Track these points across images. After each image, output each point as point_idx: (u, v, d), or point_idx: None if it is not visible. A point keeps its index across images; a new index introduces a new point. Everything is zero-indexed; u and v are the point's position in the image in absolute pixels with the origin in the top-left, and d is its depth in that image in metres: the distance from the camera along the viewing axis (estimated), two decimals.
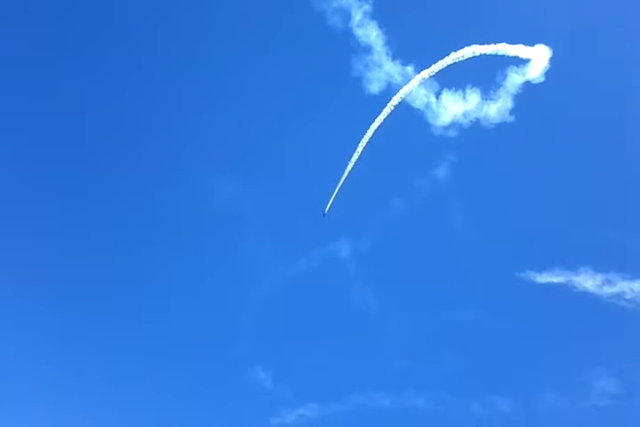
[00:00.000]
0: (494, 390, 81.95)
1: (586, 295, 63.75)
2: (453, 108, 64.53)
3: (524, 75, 61.89)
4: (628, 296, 60.43)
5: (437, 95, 64.01)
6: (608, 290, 60.58)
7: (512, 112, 68.11)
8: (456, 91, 64.26)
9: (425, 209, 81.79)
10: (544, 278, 64.12)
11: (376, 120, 55.01)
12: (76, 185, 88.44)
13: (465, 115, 65.36)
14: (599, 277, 61.84)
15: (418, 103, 64.77)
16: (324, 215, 54.47)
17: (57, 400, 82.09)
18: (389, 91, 67.57)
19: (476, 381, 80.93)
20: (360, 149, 53.62)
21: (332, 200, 54.53)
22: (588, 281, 60.68)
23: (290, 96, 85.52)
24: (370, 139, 54.40)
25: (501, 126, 72.00)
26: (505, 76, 63.14)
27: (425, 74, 58.71)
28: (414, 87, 59.79)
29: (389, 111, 55.77)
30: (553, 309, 77.81)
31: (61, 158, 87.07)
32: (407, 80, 60.95)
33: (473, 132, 71.26)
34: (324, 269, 75.94)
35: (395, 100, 56.32)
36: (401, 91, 58.23)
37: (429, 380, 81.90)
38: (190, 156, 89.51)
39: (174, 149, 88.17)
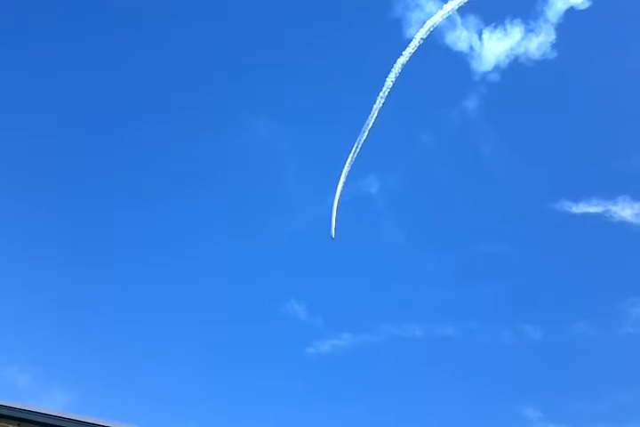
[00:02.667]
0: (526, 319, 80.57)
1: (623, 225, 61.51)
2: (495, 46, 60.93)
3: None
4: None
5: (479, 35, 60.83)
6: None
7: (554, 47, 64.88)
8: (496, 27, 60.80)
9: (454, 142, 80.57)
10: (580, 209, 61.41)
11: (404, 54, 53.26)
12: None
13: (506, 53, 61.57)
14: (638, 206, 59.30)
15: (460, 46, 62.22)
16: (332, 238, 54.03)
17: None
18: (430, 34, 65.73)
19: (507, 310, 79.85)
20: (389, 83, 52.35)
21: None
22: (626, 210, 58.04)
23: (327, 37, 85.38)
24: (398, 75, 52.79)
25: (542, 63, 69.61)
26: (545, 3, 59.25)
27: (454, 3, 56.56)
28: (444, 18, 57.59)
29: (418, 44, 53.85)
30: (588, 239, 76.16)
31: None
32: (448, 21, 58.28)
33: (512, 68, 68.85)
34: (354, 205, 75.52)
35: (423, 33, 54.26)
36: (429, 22, 55.92)
37: (460, 310, 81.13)
38: (231, 97, 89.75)
39: (216, 91, 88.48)
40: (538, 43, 62.00)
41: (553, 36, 63.90)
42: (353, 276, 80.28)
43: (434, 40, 65.58)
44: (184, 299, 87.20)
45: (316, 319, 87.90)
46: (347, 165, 53.61)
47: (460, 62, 75.51)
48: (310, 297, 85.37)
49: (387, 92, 53.29)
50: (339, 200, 53.76)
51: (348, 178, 53.96)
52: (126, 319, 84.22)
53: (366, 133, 53.23)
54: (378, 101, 53.29)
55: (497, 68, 65.76)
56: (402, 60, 53.91)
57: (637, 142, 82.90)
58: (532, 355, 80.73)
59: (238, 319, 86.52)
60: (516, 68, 74.26)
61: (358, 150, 53.52)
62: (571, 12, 61.30)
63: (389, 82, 52.95)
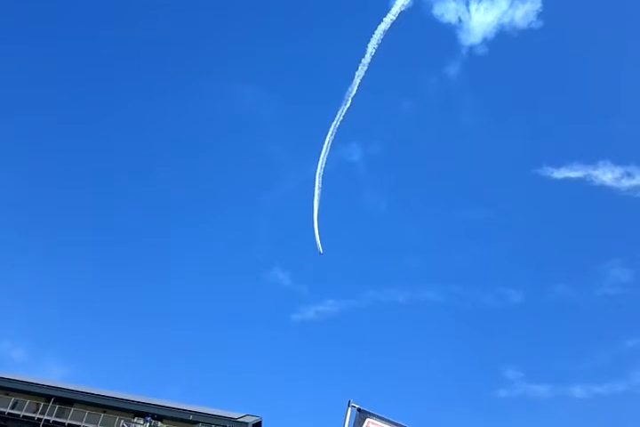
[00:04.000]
0: (507, 282, 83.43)
1: (603, 189, 63.61)
2: (483, 18, 60.91)
3: None
4: None
5: (467, 6, 60.60)
6: (626, 183, 60.00)
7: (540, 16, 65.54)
8: None
9: (436, 109, 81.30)
10: (561, 173, 63.48)
11: (385, 20, 52.70)
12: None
13: (493, 24, 61.61)
14: (618, 171, 60.98)
15: (447, 17, 62.18)
16: (320, 254, 54.28)
17: None
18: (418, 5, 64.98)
19: (488, 274, 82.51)
20: (371, 50, 51.96)
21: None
22: (606, 174, 59.83)
23: (311, 5, 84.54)
24: (380, 42, 52.31)
25: (528, 32, 69.82)
26: None
27: None
28: None
29: (399, 11, 53.33)
30: (569, 204, 78.39)
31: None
32: None
33: (498, 39, 69.07)
34: (336, 173, 76.40)
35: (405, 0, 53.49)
36: None
37: (442, 275, 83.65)
38: (216, 64, 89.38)
39: (202, 58, 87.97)
40: (524, 11, 62.06)
41: (539, 5, 64.07)
42: (336, 243, 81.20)
43: (422, 11, 65.42)
44: (170, 269, 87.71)
45: (301, 286, 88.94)
46: (330, 133, 53.62)
47: (447, 33, 75.13)
48: (294, 265, 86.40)
49: (369, 59, 52.99)
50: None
51: (330, 147, 54.06)
52: (117, 288, 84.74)
53: (349, 101, 53.12)
54: (360, 68, 53.04)
55: (484, 39, 65.69)
56: (383, 26, 53.45)
57: (618, 107, 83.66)
58: (514, 317, 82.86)
59: (223, 287, 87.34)
60: (502, 38, 74.23)
61: (341, 118, 53.50)
62: None
63: (371, 49, 52.58)
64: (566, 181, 67.42)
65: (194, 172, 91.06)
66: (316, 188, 53.55)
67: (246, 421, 50.13)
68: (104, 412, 49.07)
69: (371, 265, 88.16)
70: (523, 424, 79.45)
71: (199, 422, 47.88)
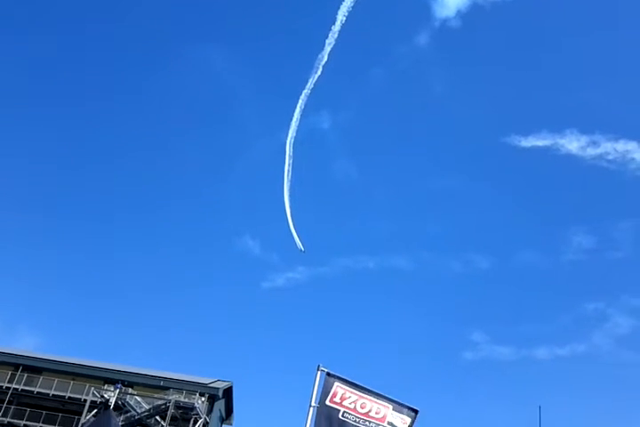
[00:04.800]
0: (475, 249, 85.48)
1: (569, 157, 64.86)
2: None
3: None
4: (610, 157, 60.71)
5: None
6: (592, 151, 61.01)
7: None
8: None
9: (406, 78, 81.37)
10: (529, 142, 64.09)
11: None
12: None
13: None
14: (584, 139, 61.97)
15: None
16: (302, 251, 53.86)
17: None
18: None
19: (456, 241, 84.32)
20: (341, 17, 51.18)
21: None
22: (573, 143, 60.79)
23: None
24: (351, 9, 51.48)
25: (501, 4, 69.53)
26: None
27: None
28: None
29: None
30: (536, 172, 79.97)
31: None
32: None
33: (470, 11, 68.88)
34: (307, 141, 76.33)
35: None
36: None
37: (412, 242, 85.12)
38: (185, 26, 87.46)
39: (171, 20, 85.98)
40: None
41: None
42: (306, 211, 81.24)
43: None
44: (140, 238, 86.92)
45: (271, 254, 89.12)
46: (300, 100, 52.94)
47: (421, 5, 74.21)
48: (264, 233, 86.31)
49: (339, 27, 52.11)
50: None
51: (301, 115, 53.43)
52: (88, 258, 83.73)
53: (320, 69, 52.36)
54: (330, 36, 52.15)
55: (458, 12, 65.10)
56: None
57: (586, 77, 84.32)
58: (481, 283, 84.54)
59: (193, 256, 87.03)
60: (476, 10, 73.64)
61: (312, 86, 52.81)
62: None
63: (341, 17, 51.63)
64: (534, 150, 68.14)
65: (161, 138, 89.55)
66: (287, 164, 53.05)
67: (217, 386, 50.67)
68: (73, 380, 49.05)
69: (342, 232, 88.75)
70: (487, 385, 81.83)
71: (170, 388, 48.20)
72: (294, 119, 52.93)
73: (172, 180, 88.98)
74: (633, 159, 60.83)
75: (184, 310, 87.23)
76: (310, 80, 52.05)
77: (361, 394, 9.09)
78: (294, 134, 53.25)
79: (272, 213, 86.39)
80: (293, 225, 53.10)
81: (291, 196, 53.58)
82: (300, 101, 52.62)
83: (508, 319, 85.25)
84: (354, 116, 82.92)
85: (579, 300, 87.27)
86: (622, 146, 60.48)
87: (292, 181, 53.58)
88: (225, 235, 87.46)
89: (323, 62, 51.49)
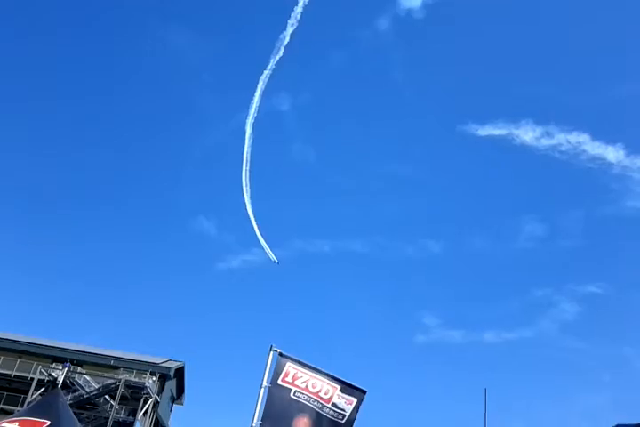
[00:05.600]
0: (428, 233, 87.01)
1: (524, 147, 66.14)
2: None
3: None
4: (563, 148, 62.07)
5: None
6: (545, 142, 62.30)
7: None
8: None
9: (366, 62, 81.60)
10: (486, 131, 65.12)
11: None
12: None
13: None
14: (539, 130, 63.19)
15: None
16: (277, 263, 53.35)
17: None
18: None
19: (411, 226, 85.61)
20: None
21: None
22: (528, 133, 61.93)
23: None
24: None
25: None
26: None
27: None
28: None
29: None
30: (491, 161, 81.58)
31: None
32: None
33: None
34: (266, 123, 75.96)
35: None
36: None
37: (367, 226, 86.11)
38: (144, 5, 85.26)
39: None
40: None
41: None
42: (263, 193, 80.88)
43: None
44: (98, 217, 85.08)
45: (227, 236, 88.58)
46: (261, 82, 52.32)
47: None
48: (220, 214, 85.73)
49: (301, 9, 51.57)
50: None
51: (261, 97, 52.84)
52: (36, 237, 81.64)
53: (282, 51, 51.76)
54: (293, 17, 51.59)
55: (423, 3, 65.16)
56: None
57: (543, 69, 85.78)
58: (433, 268, 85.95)
59: (148, 235, 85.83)
60: (440, 3, 73.88)
61: (273, 67, 52.22)
62: None
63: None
64: (489, 139, 69.16)
65: (117, 116, 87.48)
66: (246, 146, 52.50)
67: (169, 366, 50.37)
68: (20, 358, 48.03)
69: (298, 215, 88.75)
70: (438, 368, 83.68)
71: (120, 368, 47.71)
72: (254, 100, 52.37)
73: (127, 158, 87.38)
74: (584, 151, 62.35)
75: (137, 289, 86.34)
76: (271, 61, 51.51)
77: (312, 374, 9.13)
78: (254, 115, 52.72)
79: (229, 194, 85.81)
80: (252, 210, 52.75)
81: (249, 178, 53.20)
82: (261, 82, 52.07)
83: (459, 304, 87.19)
84: (313, 99, 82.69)
85: (528, 286, 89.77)
86: (575, 138, 61.93)
87: (250, 163, 53.20)
88: (180, 215, 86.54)
89: (284, 43, 50.97)
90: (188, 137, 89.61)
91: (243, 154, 53.04)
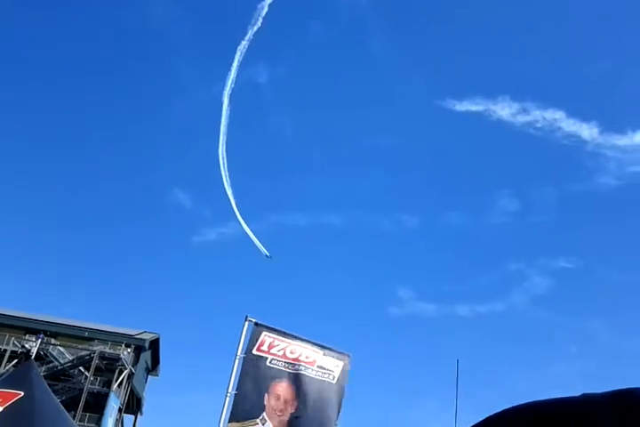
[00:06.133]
0: (404, 208, 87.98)
1: (500, 123, 66.52)
2: None
3: None
4: (539, 125, 62.17)
5: None
6: (522, 119, 62.57)
7: None
8: None
9: (345, 34, 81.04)
10: (463, 106, 65.05)
11: None
12: None
13: None
14: (515, 106, 63.38)
15: None
16: (270, 257, 52.64)
17: None
18: None
19: (387, 200, 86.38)
20: None
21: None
22: (504, 110, 62.11)
23: None
24: None
25: None
26: None
27: None
28: None
29: None
30: (467, 136, 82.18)
31: None
32: None
33: None
34: (243, 94, 75.17)
35: None
36: None
37: (343, 199, 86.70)
38: None
39: None
40: None
41: None
42: (240, 166, 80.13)
43: None
44: (67, 179, 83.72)
45: (202, 208, 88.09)
46: (238, 53, 51.45)
47: None
48: (196, 187, 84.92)
49: None
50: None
51: (239, 68, 52.04)
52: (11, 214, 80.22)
53: (260, 21, 50.86)
54: None
55: None
56: None
57: (522, 46, 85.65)
58: (408, 241, 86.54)
59: (121, 206, 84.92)
60: None
61: (251, 37, 51.34)
62: None
63: None
64: (467, 114, 69.18)
65: (92, 82, 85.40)
66: (223, 117, 51.71)
67: (144, 337, 50.42)
68: None
69: (274, 188, 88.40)
70: (412, 340, 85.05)
71: (95, 339, 47.63)
72: (232, 72, 51.57)
73: (99, 124, 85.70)
74: (560, 128, 62.72)
75: (112, 261, 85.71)
76: (249, 31, 50.64)
77: (290, 341, 9.11)
78: (232, 86, 51.98)
79: (205, 166, 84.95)
80: (230, 185, 52.30)
81: (226, 149, 52.69)
82: (238, 53, 51.22)
83: (434, 277, 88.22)
84: (291, 71, 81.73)
85: (501, 260, 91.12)
86: (551, 115, 62.21)
87: (227, 135, 52.65)
88: (155, 187, 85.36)
89: (262, 14, 50.08)
90: (164, 107, 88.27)
91: (219, 126, 52.33)
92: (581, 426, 1.37)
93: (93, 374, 45.81)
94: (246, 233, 53.02)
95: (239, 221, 52.96)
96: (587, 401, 1.43)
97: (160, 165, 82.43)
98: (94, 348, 46.45)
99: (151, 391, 56.05)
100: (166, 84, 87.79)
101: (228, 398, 8.52)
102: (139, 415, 54.24)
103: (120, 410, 49.30)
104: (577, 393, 1.42)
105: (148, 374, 55.69)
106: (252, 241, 51.73)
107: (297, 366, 9.00)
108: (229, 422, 8.41)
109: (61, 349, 46.35)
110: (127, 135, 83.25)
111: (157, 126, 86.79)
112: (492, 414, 1.49)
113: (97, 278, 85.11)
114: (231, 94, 52.05)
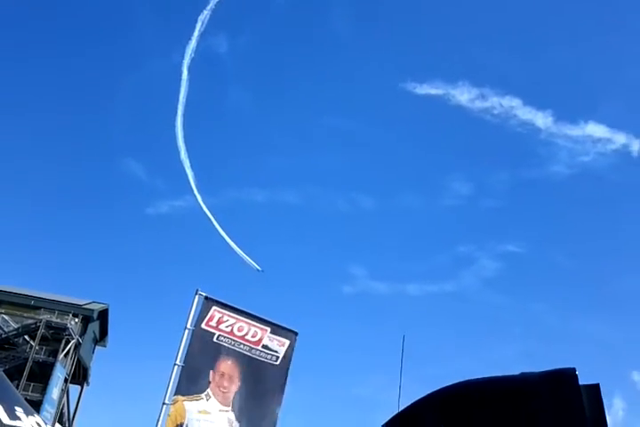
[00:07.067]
0: (360, 188, 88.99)
1: (458, 108, 67.13)
2: None
3: None
4: (495, 111, 62.47)
5: None
6: (479, 104, 63.21)
7: None
8: None
9: (308, 9, 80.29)
10: (424, 89, 65.34)
11: None
12: None
13: None
14: (474, 92, 63.86)
15: None
16: (261, 271, 51.73)
17: None
18: None
19: (344, 180, 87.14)
20: None
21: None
22: (463, 95, 62.63)
23: None
24: None
25: None
26: None
27: None
28: None
29: None
30: (426, 119, 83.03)
31: None
32: None
33: None
34: (203, 65, 73.86)
35: None
36: None
37: (301, 177, 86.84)
38: None
39: None
40: None
41: None
42: (196, 137, 79.03)
43: None
44: (19, 142, 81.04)
45: (156, 180, 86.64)
46: (199, 22, 50.33)
47: None
48: (150, 157, 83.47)
49: None
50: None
51: (199, 37, 50.95)
52: None
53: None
54: None
55: None
56: None
57: (483, 33, 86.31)
58: (363, 221, 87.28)
59: (72, 173, 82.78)
60: None
61: (213, 6, 50.25)
62: None
63: None
64: (427, 97, 69.59)
65: (48, 47, 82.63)
66: (182, 88, 50.58)
67: (92, 308, 49.73)
68: None
69: (231, 163, 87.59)
70: (363, 318, 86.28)
71: (41, 308, 46.74)
72: (192, 41, 50.44)
73: (53, 89, 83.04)
74: (515, 115, 63.52)
75: (62, 230, 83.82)
76: (211, 0, 49.55)
77: (239, 317, 9.12)
78: (192, 56, 50.90)
79: (160, 136, 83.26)
80: (185, 155, 51.45)
81: (183, 121, 51.76)
82: (200, 22, 50.09)
83: (386, 257, 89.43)
84: (252, 43, 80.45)
85: (452, 242, 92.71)
86: (507, 102, 62.83)
87: (185, 105, 51.69)
88: (107, 154, 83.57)
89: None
90: (122, 73, 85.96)
91: (178, 96, 51.28)
92: (519, 402, 1.41)
93: (39, 344, 45.06)
94: (201, 207, 52.40)
95: (195, 195, 52.36)
96: (525, 379, 1.48)
97: (113, 130, 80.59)
98: (40, 317, 45.62)
99: (99, 362, 55.61)
100: (126, 50, 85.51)
101: (175, 369, 8.51)
102: (85, 386, 53.72)
103: (66, 380, 48.74)
104: (516, 372, 1.45)
105: (95, 345, 55.07)
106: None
107: (243, 346, 9.03)
108: (175, 394, 8.41)
109: (6, 317, 45.35)
110: (82, 100, 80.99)
111: (114, 93, 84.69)
112: (435, 390, 1.51)
113: (47, 248, 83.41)
114: (191, 64, 51.02)
